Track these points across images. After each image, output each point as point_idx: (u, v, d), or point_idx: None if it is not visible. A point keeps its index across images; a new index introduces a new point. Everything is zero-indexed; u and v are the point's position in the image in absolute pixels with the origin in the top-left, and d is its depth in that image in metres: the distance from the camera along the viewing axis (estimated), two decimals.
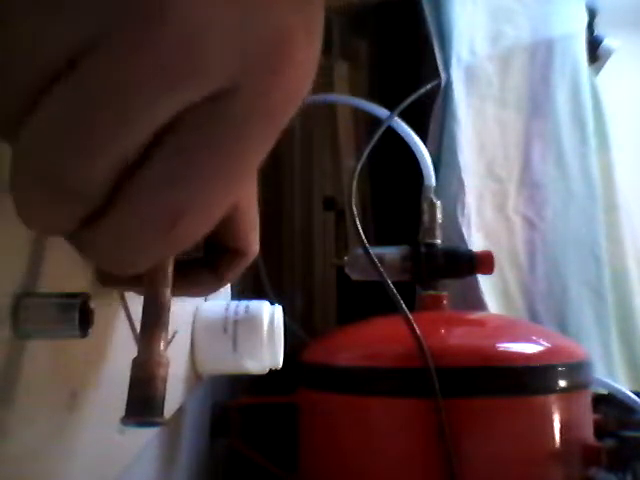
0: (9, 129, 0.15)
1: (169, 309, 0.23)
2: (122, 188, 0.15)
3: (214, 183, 0.16)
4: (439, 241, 0.71)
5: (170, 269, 0.22)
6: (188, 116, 0.15)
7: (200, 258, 0.26)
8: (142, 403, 0.21)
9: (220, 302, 0.50)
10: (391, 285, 0.61)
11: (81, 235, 0.16)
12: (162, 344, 0.22)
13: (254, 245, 0.26)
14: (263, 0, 0.15)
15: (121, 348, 0.30)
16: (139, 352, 0.22)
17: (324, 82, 0.94)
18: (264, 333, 0.48)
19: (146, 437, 0.40)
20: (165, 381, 0.21)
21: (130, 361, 0.22)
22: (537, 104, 0.91)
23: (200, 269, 0.26)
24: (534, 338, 0.63)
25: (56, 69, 0.14)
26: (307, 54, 0.16)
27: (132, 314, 0.32)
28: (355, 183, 0.69)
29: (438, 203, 0.73)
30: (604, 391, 0.68)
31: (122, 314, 0.31)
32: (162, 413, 0.21)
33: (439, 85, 0.82)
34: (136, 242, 0.16)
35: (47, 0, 0.13)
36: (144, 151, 0.15)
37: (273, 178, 0.94)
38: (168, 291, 0.22)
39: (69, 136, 0.14)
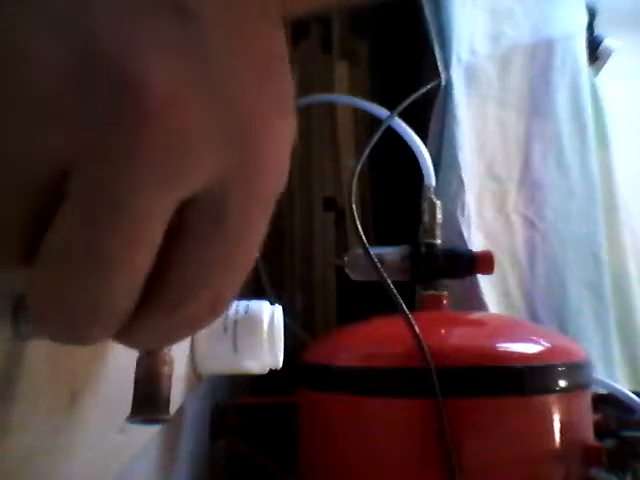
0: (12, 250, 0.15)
1: None
2: (152, 292, 0.16)
3: (232, 272, 0.17)
4: (439, 241, 0.71)
5: None
6: (190, 217, 0.15)
7: None
8: (148, 400, 0.21)
9: None
10: (391, 285, 0.61)
11: (120, 336, 0.17)
12: None
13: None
14: (236, 95, 0.15)
15: (121, 348, 0.30)
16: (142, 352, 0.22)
17: (324, 82, 0.94)
18: (264, 333, 0.48)
19: (146, 437, 0.40)
20: (170, 378, 0.22)
21: (130, 361, 0.22)
22: (537, 104, 0.91)
23: None
24: (534, 338, 0.63)
25: (50, 189, 0.14)
26: (284, 130, 0.17)
27: None
28: (355, 183, 0.69)
29: (438, 203, 0.73)
30: (604, 391, 0.68)
31: None
32: (168, 410, 0.21)
33: (439, 85, 0.82)
34: (174, 335, 0.18)
35: (24, 122, 0.13)
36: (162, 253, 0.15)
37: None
38: None
39: (89, 259, 0.14)
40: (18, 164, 0.14)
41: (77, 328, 0.15)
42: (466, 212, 0.80)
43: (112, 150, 0.14)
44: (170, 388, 0.21)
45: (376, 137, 0.74)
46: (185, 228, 0.15)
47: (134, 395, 0.21)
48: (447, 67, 0.83)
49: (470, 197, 0.81)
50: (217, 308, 0.17)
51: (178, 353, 0.45)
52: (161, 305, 0.16)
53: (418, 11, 0.86)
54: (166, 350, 0.22)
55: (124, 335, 0.17)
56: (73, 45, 0.13)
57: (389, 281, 0.61)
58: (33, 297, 0.15)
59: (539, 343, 0.62)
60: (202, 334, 0.50)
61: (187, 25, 0.15)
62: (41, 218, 0.14)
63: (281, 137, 0.16)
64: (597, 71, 1.02)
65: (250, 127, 0.15)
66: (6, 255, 0.15)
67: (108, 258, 0.14)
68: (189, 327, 0.17)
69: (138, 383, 0.21)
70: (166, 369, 0.21)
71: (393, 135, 0.75)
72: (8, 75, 0.13)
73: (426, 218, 0.72)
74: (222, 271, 0.16)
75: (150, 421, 0.21)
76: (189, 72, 0.14)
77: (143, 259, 0.15)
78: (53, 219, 0.14)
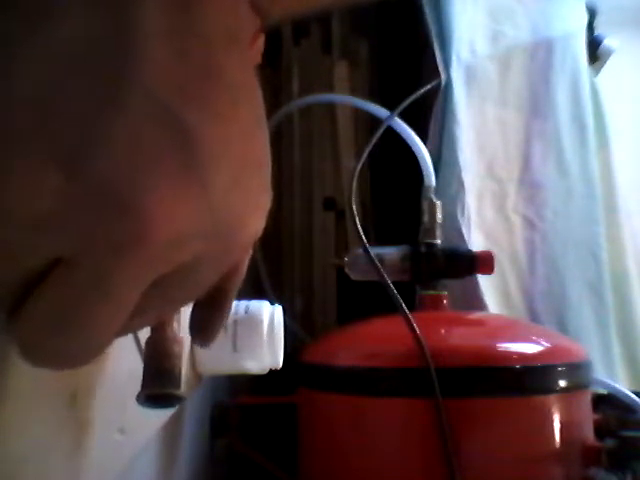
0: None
1: None
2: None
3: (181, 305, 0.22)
4: (439, 241, 0.71)
5: None
6: (164, 279, 0.18)
7: None
8: (159, 376, 0.21)
9: None
10: (391, 285, 0.61)
11: None
12: (175, 324, 0.22)
13: (233, 295, 0.26)
14: (225, 199, 0.18)
15: (121, 348, 0.30)
16: (152, 331, 0.22)
17: (324, 82, 0.94)
18: (264, 333, 0.48)
19: (146, 437, 0.40)
20: (180, 358, 0.22)
21: (130, 361, 0.22)
22: (537, 104, 0.91)
23: None
24: (534, 338, 0.63)
25: (38, 272, 0.16)
26: (254, 225, 0.20)
27: None
28: (355, 183, 0.69)
29: (438, 203, 0.73)
30: (604, 391, 0.68)
31: None
32: (179, 386, 0.21)
33: (439, 85, 0.82)
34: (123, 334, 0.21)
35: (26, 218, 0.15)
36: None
37: (273, 178, 0.93)
38: None
39: (71, 326, 0.17)
40: (17, 255, 0.15)
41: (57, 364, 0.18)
42: (466, 212, 0.80)
43: (102, 256, 0.16)
44: (181, 367, 0.21)
45: (376, 137, 0.74)
46: (156, 286, 0.18)
47: (144, 372, 0.21)
48: (447, 67, 0.83)
49: (470, 197, 0.81)
50: (154, 321, 0.21)
51: None
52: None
53: (418, 11, 0.86)
54: (175, 329, 0.22)
55: None
56: (70, 170, 0.15)
57: (389, 281, 0.61)
58: (19, 343, 0.17)
59: (539, 343, 0.62)
60: None
61: (182, 142, 0.16)
62: (30, 283, 0.16)
63: (253, 231, 0.20)
64: (597, 71, 1.02)
65: (229, 229, 0.18)
66: None
67: (91, 326, 0.17)
68: (149, 323, 0.21)
69: (148, 360, 0.21)
70: (177, 348, 0.21)
71: (393, 135, 0.75)
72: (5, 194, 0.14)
73: (426, 218, 0.72)
74: (173, 302, 0.20)
75: (161, 399, 0.21)
76: (182, 187, 0.16)
77: (121, 319, 0.17)
78: (41, 285, 0.16)
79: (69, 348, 0.17)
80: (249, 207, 0.19)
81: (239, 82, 0.18)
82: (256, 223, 0.20)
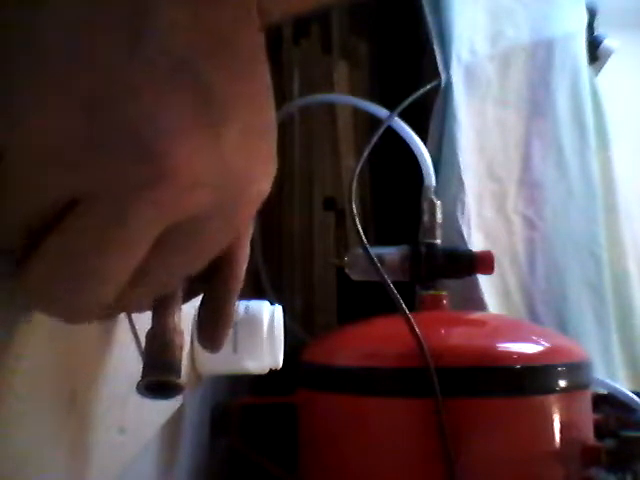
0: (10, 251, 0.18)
1: (181, 287, 0.23)
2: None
3: (188, 269, 0.21)
4: (439, 241, 0.71)
5: None
6: (172, 232, 0.18)
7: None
8: (160, 365, 0.21)
9: None
10: (391, 285, 0.61)
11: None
12: (176, 317, 0.22)
13: (240, 280, 0.26)
14: (238, 151, 0.19)
15: (121, 349, 0.30)
16: (154, 323, 0.22)
17: (324, 82, 0.94)
18: (264, 333, 0.48)
19: (146, 437, 0.40)
20: (182, 348, 0.22)
21: (131, 362, 0.22)
22: (537, 104, 0.91)
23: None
24: (534, 338, 0.63)
25: (53, 213, 0.17)
26: (262, 186, 0.21)
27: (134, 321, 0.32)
28: (355, 183, 0.69)
29: (438, 203, 0.73)
30: (604, 391, 0.68)
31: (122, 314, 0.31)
32: (179, 375, 0.21)
33: (439, 85, 0.82)
34: (128, 305, 0.22)
35: (46, 152, 0.16)
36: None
37: (273, 178, 0.93)
38: None
39: (83, 266, 0.17)
40: (36, 189, 0.17)
41: (60, 309, 0.19)
42: (466, 212, 0.80)
43: (120, 197, 0.16)
44: (182, 357, 0.21)
45: (376, 137, 0.74)
46: (164, 240, 0.18)
47: (145, 361, 0.21)
48: (447, 67, 0.83)
49: (470, 197, 0.81)
50: (162, 288, 0.21)
51: None
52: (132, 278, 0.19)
53: (418, 11, 0.86)
54: (177, 322, 0.22)
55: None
56: (92, 112, 0.16)
57: (389, 281, 0.61)
58: (28, 287, 0.18)
59: (539, 343, 0.62)
60: None
61: (202, 95, 0.17)
62: (44, 224, 0.17)
63: (258, 191, 0.21)
64: (597, 71, 1.02)
65: (241, 182, 0.19)
66: (8, 242, 0.18)
67: (100, 271, 0.17)
68: (152, 293, 0.21)
69: (149, 350, 0.21)
70: (177, 338, 0.21)
71: (393, 135, 0.75)
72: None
73: (426, 218, 0.72)
74: (178, 266, 0.20)
75: (161, 388, 0.21)
76: (201, 136, 0.17)
77: (129, 270, 0.18)
78: (59, 224, 0.17)
79: (76, 294, 0.18)
80: (257, 166, 0.20)
81: (251, 52, 0.19)
82: (262, 183, 0.21)
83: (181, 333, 0.22)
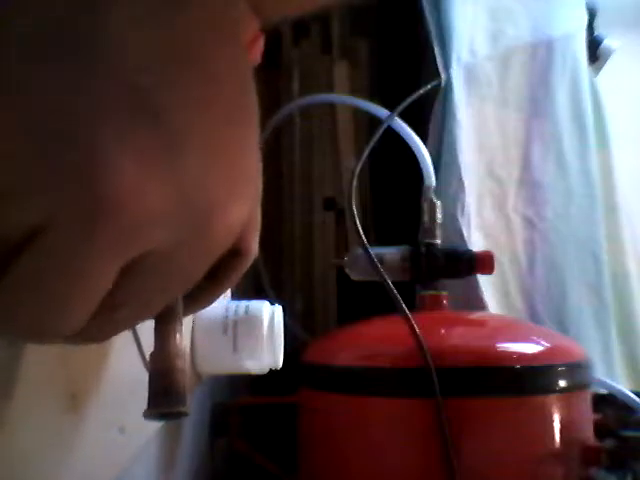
0: None
1: (181, 304, 0.23)
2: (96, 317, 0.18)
3: (163, 298, 0.21)
4: (439, 241, 0.71)
5: None
6: (136, 266, 0.18)
7: None
8: (164, 395, 0.21)
9: (220, 302, 0.50)
10: (391, 285, 0.61)
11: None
12: (177, 337, 0.22)
13: (254, 246, 0.26)
14: (199, 179, 0.18)
15: (121, 349, 0.30)
16: (156, 346, 0.22)
17: (324, 82, 0.94)
18: (264, 333, 0.48)
19: (146, 437, 0.40)
20: (184, 372, 0.22)
21: (131, 362, 0.22)
22: (537, 104, 0.91)
23: (201, 280, 0.26)
24: (534, 338, 0.63)
25: (15, 243, 0.16)
26: (235, 213, 0.19)
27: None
28: (355, 183, 0.69)
29: (438, 203, 0.72)
30: (604, 391, 0.68)
31: None
32: (185, 402, 0.21)
33: (439, 85, 0.82)
34: (106, 334, 0.21)
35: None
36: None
37: (273, 178, 0.94)
38: None
39: (44, 299, 0.17)
40: None
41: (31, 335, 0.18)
42: (466, 212, 0.80)
43: (72, 229, 0.16)
44: (185, 382, 0.21)
45: (376, 137, 0.74)
46: (131, 272, 0.18)
47: (150, 390, 0.21)
48: (447, 67, 0.83)
49: (470, 197, 0.81)
50: (140, 317, 0.21)
51: None
52: (102, 308, 0.18)
53: (418, 11, 0.86)
54: (177, 344, 0.22)
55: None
56: (37, 142, 0.15)
57: (389, 281, 0.61)
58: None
59: (539, 343, 0.62)
60: (202, 334, 0.50)
61: (152, 120, 0.16)
62: (7, 255, 0.17)
63: (233, 214, 0.19)
64: (597, 71, 1.02)
65: (204, 211, 0.18)
66: None
67: (58, 303, 0.17)
68: (117, 327, 0.20)
69: (153, 377, 0.21)
70: (180, 362, 0.22)
71: (393, 135, 0.75)
72: None
73: (426, 218, 0.72)
74: (153, 293, 0.20)
75: (168, 415, 0.21)
76: (152, 164, 0.16)
77: (89, 303, 0.17)
78: (19, 253, 0.16)
79: (39, 320, 0.17)
80: (229, 194, 0.19)
81: (222, 70, 0.18)
82: (238, 211, 0.20)
83: (183, 355, 0.22)
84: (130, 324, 0.21)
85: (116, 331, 0.21)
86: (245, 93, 0.20)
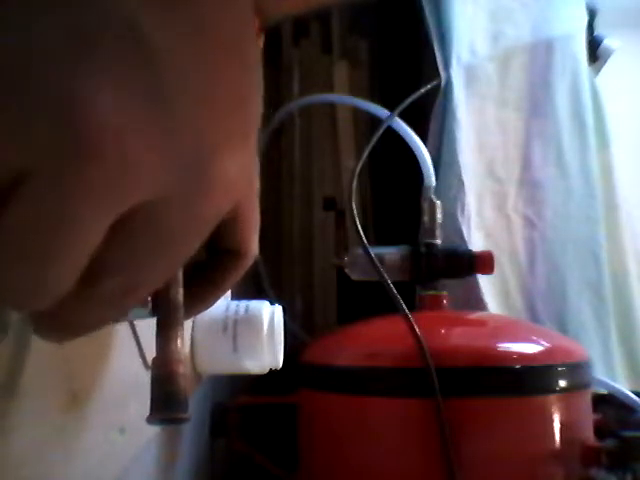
0: None
1: (182, 307, 0.23)
2: (83, 282, 0.17)
3: (150, 272, 0.19)
4: (439, 241, 0.71)
5: (180, 271, 0.23)
6: (127, 224, 0.17)
7: (200, 263, 0.26)
8: (166, 401, 0.21)
9: (220, 302, 0.50)
10: (391, 285, 0.61)
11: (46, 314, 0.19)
12: (179, 342, 0.22)
13: (253, 246, 0.25)
14: (191, 123, 0.17)
15: (121, 349, 0.30)
16: (157, 351, 0.22)
17: (324, 82, 0.94)
18: (264, 333, 0.48)
19: (146, 437, 0.40)
20: (185, 377, 0.22)
21: (131, 362, 0.22)
22: (537, 104, 0.91)
23: (201, 282, 0.26)
24: (534, 338, 0.63)
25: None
26: (234, 162, 0.18)
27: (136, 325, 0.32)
28: (355, 183, 0.69)
29: (438, 203, 0.72)
30: (604, 391, 0.68)
31: None
32: (187, 408, 0.21)
33: (439, 85, 0.82)
34: (94, 316, 0.19)
35: None
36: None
37: (273, 178, 0.94)
38: (181, 290, 0.23)
39: (29, 253, 0.16)
40: None
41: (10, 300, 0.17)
42: (466, 212, 0.80)
43: (55, 172, 0.15)
44: (186, 386, 0.21)
45: (376, 137, 0.74)
46: (121, 230, 0.17)
47: (152, 395, 0.21)
48: (447, 67, 0.83)
49: (470, 197, 0.81)
50: (128, 296, 0.19)
51: None
52: (83, 281, 0.17)
53: (418, 11, 0.86)
54: (179, 349, 0.22)
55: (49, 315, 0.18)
56: (12, 81, 0.14)
57: (389, 281, 0.61)
58: None
59: (539, 343, 0.62)
60: (202, 334, 0.50)
61: (145, 60, 0.16)
62: None
63: (229, 168, 0.18)
64: (597, 71, 1.02)
65: (197, 159, 0.17)
66: None
67: (47, 256, 0.16)
68: (105, 307, 0.19)
69: (155, 383, 0.21)
70: (181, 368, 0.22)
71: (393, 135, 0.75)
72: None
73: (426, 218, 0.72)
74: (141, 269, 0.18)
75: (170, 421, 0.21)
76: (137, 103, 0.15)
77: (78, 258, 0.16)
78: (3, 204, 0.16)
79: (28, 280, 0.16)
80: (224, 141, 0.18)
81: (220, 16, 0.17)
82: (237, 165, 0.18)
83: (184, 361, 0.22)
84: (117, 308, 0.19)
85: (102, 316, 0.19)
86: (247, 43, 0.19)
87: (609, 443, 0.58)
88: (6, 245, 0.16)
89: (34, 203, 0.15)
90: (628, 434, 0.59)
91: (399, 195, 0.90)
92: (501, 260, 0.83)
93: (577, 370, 0.61)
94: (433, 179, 0.74)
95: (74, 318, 0.19)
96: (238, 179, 0.19)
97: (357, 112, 0.93)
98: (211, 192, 0.18)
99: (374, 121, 0.79)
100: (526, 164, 0.90)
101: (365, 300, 0.77)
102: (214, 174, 0.18)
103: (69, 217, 0.16)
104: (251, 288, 0.87)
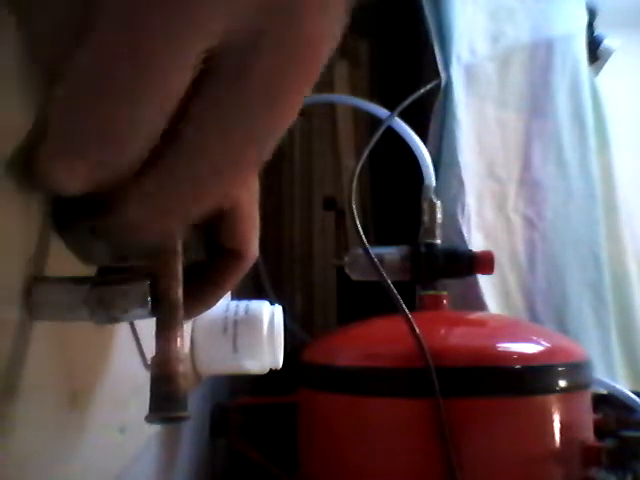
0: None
1: (182, 307, 0.23)
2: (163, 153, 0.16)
3: (246, 132, 0.17)
4: (439, 241, 0.71)
5: (180, 267, 0.23)
6: (215, 66, 0.15)
7: (200, 264, 0.26)
8: (165, 399, 0.21)
9: (220, 302, 0.50)
10: (391, 285, 0.61)
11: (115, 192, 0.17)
12: (179, 341, 0.22)
13: (254, 247, 0.25)
14: None
15: (121, 349, 0.30)
16: (157, 351, 0.22)
17: (324, 82, 0.94)
18: (264, 333, 0.48)
19: (146, 437, 0.40)
20: (185, 377, 0.22)
21: (131, 362, 0.22)
22: (537, 104, 0.91)
23: (201, 283, 0.26)
24: (534, 338, 0.63)
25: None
26: (327, 27, 0.16)
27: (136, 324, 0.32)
28: (355, 183, 0.69)
29: (438, 203, 0.72)
30: (604, 391, 0.68)
31: None
32: (186, 407, 0.21)
33: (439, 85, 0.82)
34: (158, 219, 0.18)
35: None
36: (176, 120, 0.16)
37: (273, 178, 0.94)
38: (180, 290, 0.23)
39: (117, 91, 0.15)
40: None
41: (94, 147, 0.16)
42: (466, 212, 0.80)
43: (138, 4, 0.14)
44: (186, 386, 0.22)
45: (376, 137, 0.74)
46: (209, 77, 0.16)
47: (151, 394, 0.21)
48: (447, 67, 0.83)
49: (470, 197, 0.81)
50: (194, 199, 0.18)
51: None
52: (170, 155, 0.16)
53: (418, 11, 0.86)
54: (179, 348, 0.22)
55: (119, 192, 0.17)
56: None
57: (389, 281, 0.61)
58: (60, 112, 0.16)
59: (539, 343, 0.62)
60: (202, 334, 0.50)
61: None
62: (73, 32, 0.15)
63: (318, 24, 0.16)
64: (597, 71, 1.02)
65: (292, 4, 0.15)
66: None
67: (136, 94, 0.15)
68: (191, 192, 0.17)
69: (154, 382, 0.21)
70: (181, 367, 0.22)
71: (393, 135, 0.75)
72: None
73: (426, 218, 0.72)
74: (225, 136, 0.16)
75: (169, 420, 0.21)
76: None
77: (167, 100, 0.15)
78: (85, 42, 0.15)
79: (117, 119, 0.15)
80: None
81: None
82: (332, 22, 0.17)
83: (184, 360, 0.22)
84: (181, 213, 0.18)
85: (165, 221, 0.18)
86: None
87: (609, 443, 0.58)
88: (90, 80, 0.15)
89: (117, 41, 0.15)
90: (628, 434, 0.59)
91: (399, 195, 0.90)
92: (501, 260, 0.83)
93: (577, 370, 0.61)
94: (433, 179, 0.74)
95: (139, 218, 0.18)
96: (333, 39, 0.17)
97: (357, 112, 0.93)
98: (306, 38, 0.16)
99: (374, 121, 0.79)
100: (526, 164, 0.90)
101: (365, 300, 0.77)
102: (308, 23, 0.16)
103: (153, 53, 0.14)
104: (251, 288, 0.87)
